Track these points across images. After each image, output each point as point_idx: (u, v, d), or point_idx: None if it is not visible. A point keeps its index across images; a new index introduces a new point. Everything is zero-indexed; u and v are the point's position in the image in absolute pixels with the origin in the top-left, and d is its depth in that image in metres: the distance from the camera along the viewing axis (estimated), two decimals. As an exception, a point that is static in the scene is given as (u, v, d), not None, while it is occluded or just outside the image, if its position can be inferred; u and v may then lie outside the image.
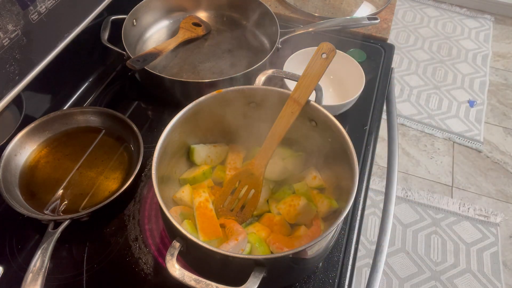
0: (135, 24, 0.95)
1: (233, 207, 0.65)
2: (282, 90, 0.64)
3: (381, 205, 1.75)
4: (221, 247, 0.57)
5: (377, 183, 1.88)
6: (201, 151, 0.70)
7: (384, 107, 0.95)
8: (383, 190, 1.90)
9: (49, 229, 0.62)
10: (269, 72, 0.70)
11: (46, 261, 0.57)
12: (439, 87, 2.31)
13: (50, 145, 0.77)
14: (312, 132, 0.65)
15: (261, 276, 0.47)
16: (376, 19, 0.95)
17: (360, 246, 0.69)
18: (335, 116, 0.60)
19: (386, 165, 0.91)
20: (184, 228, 0.49)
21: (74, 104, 0.88)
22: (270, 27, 0.95)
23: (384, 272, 1.62)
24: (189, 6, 1.04)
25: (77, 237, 0.68)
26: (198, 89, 0.82)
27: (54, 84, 0.84)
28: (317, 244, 0.51)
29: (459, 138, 2.08)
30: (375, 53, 1.02)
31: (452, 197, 1.86)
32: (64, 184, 0.72)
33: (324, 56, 0.58)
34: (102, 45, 0.87)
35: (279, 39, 0.90)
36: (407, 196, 1.84)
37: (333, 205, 0.64)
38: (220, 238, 0.60)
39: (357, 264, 0.70)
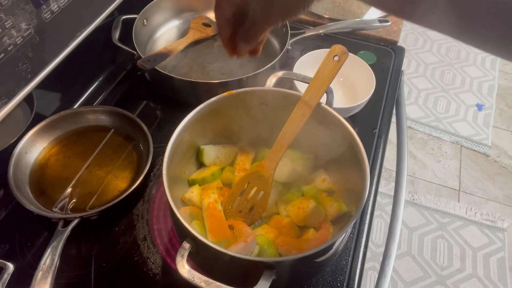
0: (145, 24, 0.95)
1: (242, 208, 0.65)
2: (293, 92, 0.64)
3: (387, 208, 1.75)
4: (230, 248, 0.57)
5: (383, 186, 1.87)
6: (210, 152, 0.70)
7: (394, 110, 0.94)
8: (389, 193, 1.89)
9: (59, 227, 0.62)
10: (280, 73, 0.69)
11: (56, 259, 0.57)
12: (447, 90, 2.29)
13: (60, 144, 0.77)
14: (322, 134, 0.65)
15: (271, 279, 0.46)
16: (387, 21, 0.94)
17: (367, 250, 0.69)
18: (345, 119, 0.60)
19: (392, 168, 0.91)
20: (193, 229, 0.49)
21: (84, 103, 0.89)
22: (280, 29, 0.95)
23: (389, 276, 1.61)
24: (199, 7, 1.04)
25: (85, 235, 0.68)
26: (207, 90, 0.82)
27: (65, 82, 0.84)
28: (327, 248, 0.50)
29: (467, 142, 2.06)
30: (385, 56, 1.01)
31: (459, 201, 1.85)
32: (73, 182, 0.72)
33: (336, 58, 0.58)
34: (113, 44, 0.87)
35: (289, 40, 0.90)
36: (413, 200, 1.83)
37: (342, 208, 0.64)
38: (229, 240, 0.60)
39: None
